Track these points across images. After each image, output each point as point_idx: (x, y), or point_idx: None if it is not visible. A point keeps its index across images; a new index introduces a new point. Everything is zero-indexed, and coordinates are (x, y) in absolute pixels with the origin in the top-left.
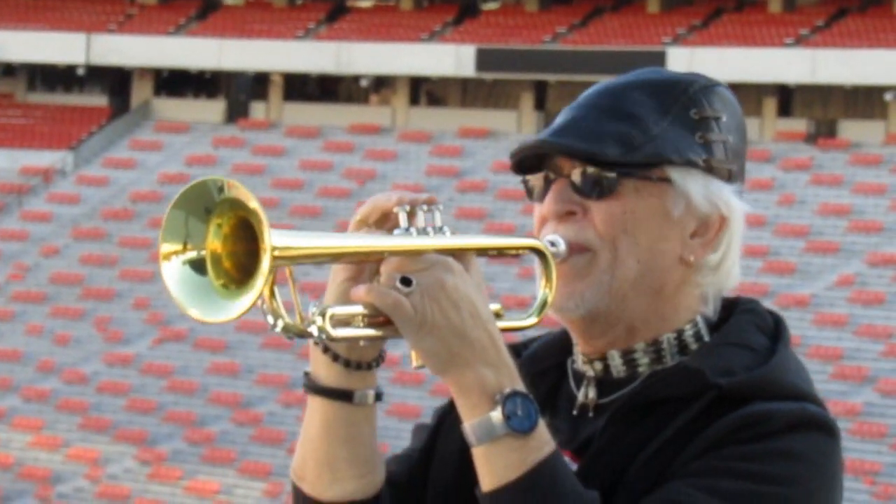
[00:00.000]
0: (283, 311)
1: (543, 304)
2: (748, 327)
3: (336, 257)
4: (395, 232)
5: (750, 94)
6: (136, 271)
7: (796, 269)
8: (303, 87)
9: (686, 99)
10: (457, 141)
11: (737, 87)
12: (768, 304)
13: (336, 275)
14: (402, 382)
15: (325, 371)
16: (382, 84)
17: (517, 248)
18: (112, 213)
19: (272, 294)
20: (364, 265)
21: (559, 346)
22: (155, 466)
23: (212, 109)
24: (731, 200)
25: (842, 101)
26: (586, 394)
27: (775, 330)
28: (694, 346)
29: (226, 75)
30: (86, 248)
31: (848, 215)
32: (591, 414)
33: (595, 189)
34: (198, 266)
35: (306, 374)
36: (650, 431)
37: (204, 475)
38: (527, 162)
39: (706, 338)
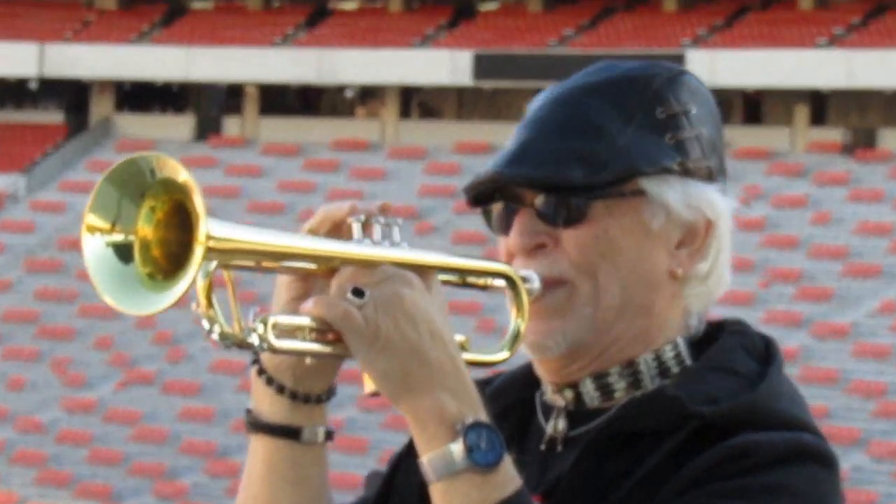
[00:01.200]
0: (220, 318)
1: (516, 337)
2: (735, 350)
3: (280, 258)
4: (349, 242)
5: (779, 102)
6: (98, 307)
7: (834, 294)
8: (281, 100)
9: (649, 98)
10: (453, 157)
11: (765, 94)
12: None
13: (281, 292)
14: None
15: (268, 405)
16: (370, 95)
17: (485, 272)
18: (70, 243)
19: (209, 300)
20: (313, 282)
21: (526, 378)
22: None
23: (180, 125)
24: (714, 202)
25: (881, 108)
26: (555, 426)
27: (766, 352)
28: (675, 370)
29: (195, 88)
30: (41, 281)
31: (890, 234)
32: (559, 448)
33: (563, 216)
34: (123, 252)
35: (248, 410)
36: (625, 467)
37: None
38: (483, 192)
39: (687, 360)
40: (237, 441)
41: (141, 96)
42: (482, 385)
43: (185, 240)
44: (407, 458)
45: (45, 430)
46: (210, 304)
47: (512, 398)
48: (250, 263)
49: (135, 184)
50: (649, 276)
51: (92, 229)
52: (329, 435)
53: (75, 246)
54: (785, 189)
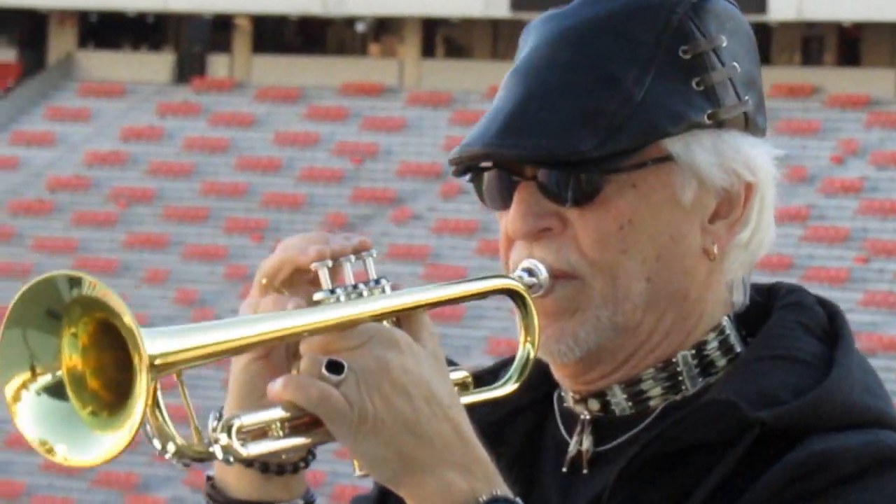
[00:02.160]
0: (172, 431)
1: (525, 364)
2: (792, 330)
3: (238, 352)
4: (316, 296)
5: (881, 38)
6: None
7: None
8: (278, 35)
9: (671, 34)
10: (485, 104)
11: (864, 29)
12: None
13: (239, 358)
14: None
15: (235, 479)
16: (385, 29)
17: (483, 294)
18: (23, 206)
19: (156, 408)
20: (275, 354)
21: (540, 374)
22: None
23: (156, 65)
24: (754, 157)
25: None
26: (580, 442)
27: (831, 328)
28: (722, 362)
29: (175, 20)
30: None
31: None
32: (585, 470)
33: (573, 193)
34: (56, 391)
35: (209, 480)
36: (678, 490)
37: None
38: (475, 164)
39: (737, 347)
40: None
41: (109, 30)
42: (484, 380)
43: (123, 360)
44: None
45: None
46: (159, 414)
47: (523, 399)
48: (203, 363)
49: (43, 309)
50: (681, 261)
51: (16, 395)
52: None
53: (31, 210)
54: (888, 144)
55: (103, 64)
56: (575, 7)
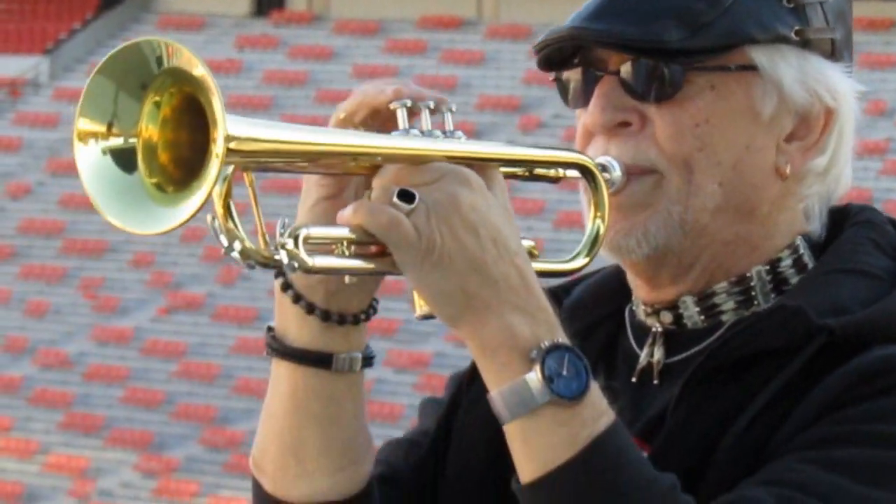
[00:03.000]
0: (241, 232)
1: (594, 240)
2: (863, 245)
3: (312, 158)
4: (394, 133)
5: None
6: None
7: None
8: None
9: None
10: None
11: None
12: None
13: (308, 194)
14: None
15: (296, 327)
16: None
17: (556, 164)
18: None
19: (227, 209)
20: (347, 182)
21: (612, 289)
22: (163, 479)
23: None
24: (837, 84)
25: None
26: (651, 353)
27: None
28: (795, 280)
29: None
30: (66, 186)
31: None
32: (656, 380)
33: (654, 88)
34: (125, 158)
35: (270, 330)
36: (742, 397)
37: (228, 490)
38: (558, 54)
39: (810, 265)
40: None
41: None
42: (559, 294)
43: (198, 141)
44: (471, 384)
45: (72, 364)
46: (229, 214)
47: (596, 314)
48: (276, 165)
49: (136, 74)
50: (752, 173)
51: (84, 136)
52: (368, 361)
53: None
54: None
55: None
56: None
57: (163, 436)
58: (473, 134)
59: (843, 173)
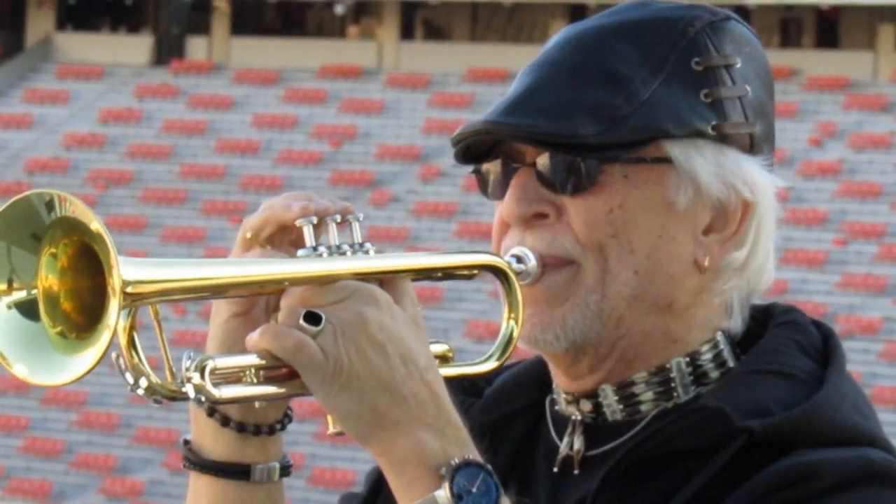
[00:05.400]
0: (146, 367)
1: (507, 342)
2: (787, 347)
3: (217, 291)
4: (300, 252)
5: (859, 21)
6: None
7: None
8: (257, 17)
9: (685, 45)
10: (464, 86)
11: (842, 11)
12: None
13: (220, 311)
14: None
15: (211, 440)
16: (364, 11)
17: (467, 268)
18: (1, 188)
19: (131, 344)
20: (257, 298)
21: (534, 378)
22: None
23: (135, 47)
24: (754, 178)
25: None
26: (571, 444)
27: (824, 348)
28: (715, 374)
29: (153, 2)
30: None
31: None
32: (576, 471)
33: (570, 181)
34: (27, 309)
35: (186, 443)
36: (660, 495)
37: None
38: (476, 147)
39: (730, 361)
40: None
41: (87, 12)
42: (481, 385)
43: (99, 285)
44: (386, 485)
45: None
46: (133, 349)
47: (517, 404)
48: (183, 299)
49: (26, 226)
50: (669, 264)
51: None
52: (285, 470)
53: (8, 192)
54: (866, 126)
55: (82, 46)
56: (597, 17)
57: (62, 485)
58: (374, 183)
59: (763, 267)
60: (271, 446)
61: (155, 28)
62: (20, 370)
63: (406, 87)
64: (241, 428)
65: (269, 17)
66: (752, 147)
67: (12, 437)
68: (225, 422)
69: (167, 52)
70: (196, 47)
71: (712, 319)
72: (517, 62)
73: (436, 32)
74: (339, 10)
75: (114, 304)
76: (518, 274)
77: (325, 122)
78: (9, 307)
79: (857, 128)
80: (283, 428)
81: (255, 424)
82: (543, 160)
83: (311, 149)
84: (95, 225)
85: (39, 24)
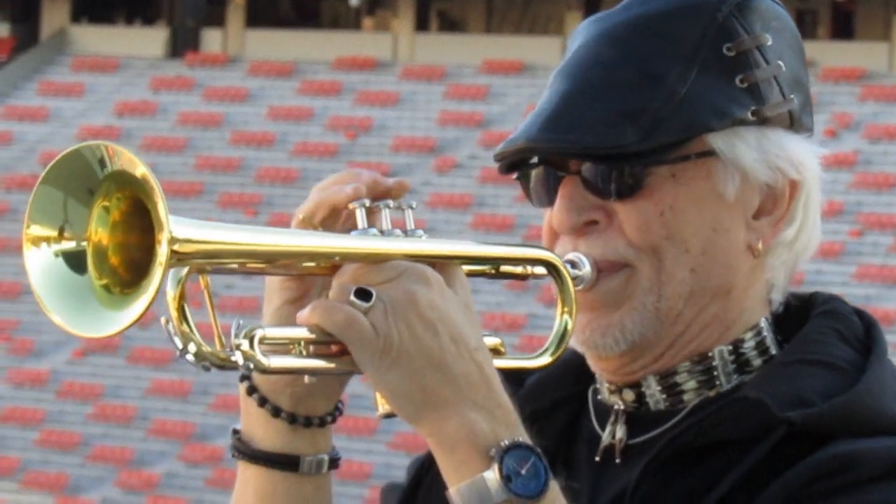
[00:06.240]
0: (196, 334)
1: (562, 337)
2: (828, 336)
3: (265, 259)
4: (353, 233)
5: (875, 12)
6: None
7: None
8: (272, 9)
9: (714, 32)
10: (480, 78)
11: (858, 3)
12: None
13: (272, 297)
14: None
15: (262, 430)
16: (379, 3)
17: (521, 260)
18: (18, 182)
19: (181, 312)
20: (310, 284)
21: (575, 368)
22: None
23: (150, 40)
24: (799, 156)
25: None
26: (613, 433)
27: (866, 338)
28: (757, 362)
29: None
30: None
31: None
32: (618, 460)
33: (617, 187)
34: (76, 260)
35: (235, 433)
36: (701, 486)
37: None
38: (518, 157)
39: (772, 348)
40: (218, 421)
41: (102, 4)
42: (520, 377)
43: (148, 243)
44: (430, 472)
45: None
46: (183, 317)
47: (559, 393)
48: (231, 266)
49: (81, 181)
50: (725, 255)
51: (36, 240)
52: (334, 463)
53: (24, 185)
54: (881, 117)
55: (97, 38)
56: (620, 8)
57: (79, 478)
58: (389, 175)
59: (811, 238)
60: (321, 438)
61: (170, 20)
62: (58, 319)
63: (421, 79)
64: (292, 419)
65: (284, 10)
66: (791, 123)
67: (28, 429)
68: (276, 412)
69: (182, 44)
70: (211, 40)
71: (759, 299)
72: (533, 54)
73: (451, 24)
74: (354, 2)
75: (160, 262)
76: (573, 279)
77: (341, 115)
78: (56, 255)
79: (872, 119)
80: (334, 420)
81: (306, 416)
82: (588, 167)
83: (326, 141)
84: (141, 170)
85: (54, 16)
